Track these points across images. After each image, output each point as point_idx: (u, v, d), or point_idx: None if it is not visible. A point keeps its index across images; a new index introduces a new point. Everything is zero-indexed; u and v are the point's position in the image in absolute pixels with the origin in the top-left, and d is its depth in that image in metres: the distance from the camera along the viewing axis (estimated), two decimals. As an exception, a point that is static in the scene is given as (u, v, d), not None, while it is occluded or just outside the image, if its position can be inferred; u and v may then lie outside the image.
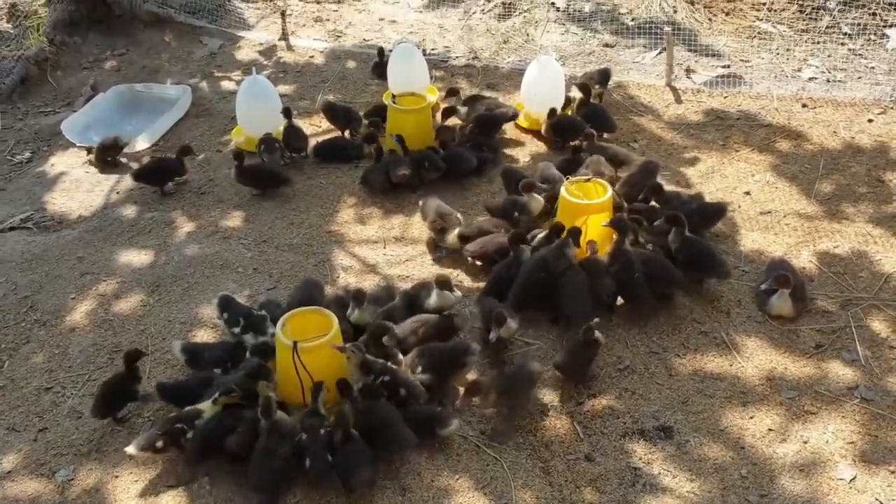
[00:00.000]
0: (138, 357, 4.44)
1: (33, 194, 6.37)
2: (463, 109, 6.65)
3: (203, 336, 4.91)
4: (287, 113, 6.50)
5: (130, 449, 4.06)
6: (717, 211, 5.46)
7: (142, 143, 6.80)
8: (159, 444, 4.05)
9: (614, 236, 5.03)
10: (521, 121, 6.80)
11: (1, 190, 6.46)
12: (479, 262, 5.31)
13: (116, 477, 4.13)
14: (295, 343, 4.15)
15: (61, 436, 4.37)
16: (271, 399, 4.03)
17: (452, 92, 6.83)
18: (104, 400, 4.34)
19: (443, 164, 6.08)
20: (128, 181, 6.41)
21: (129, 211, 6.11)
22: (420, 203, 5.70)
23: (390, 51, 7.27)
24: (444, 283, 4.82)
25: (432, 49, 8.08)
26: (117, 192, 6.32)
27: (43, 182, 6.52)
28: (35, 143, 7.03)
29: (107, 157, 6.62)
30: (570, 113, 6.61)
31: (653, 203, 5.39)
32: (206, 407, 4.13)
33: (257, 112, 6.56)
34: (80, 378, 4.71)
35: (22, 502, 4.03)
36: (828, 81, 7.20)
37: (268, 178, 6.18)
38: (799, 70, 7.42)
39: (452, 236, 5.36)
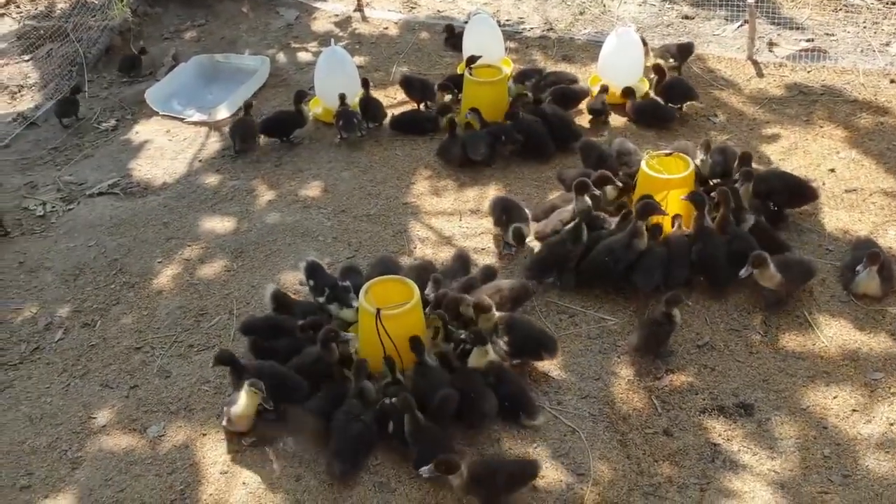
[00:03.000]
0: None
1: (119, 161, 6.58)
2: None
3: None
4: (365, 84, 6.58)
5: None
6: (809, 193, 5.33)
7: (222, 113, 6.94)
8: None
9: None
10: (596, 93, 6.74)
11: (89, 156, 6.68)
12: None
13: (204, 435, 4.29)
14: (378, 310, 4.22)
15: (151, 393, 4.55)
16: (364, 363, 4.16)
17: None
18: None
19: (519, 137, 6.07)
20: (210, 150, 6.58)
21: (212, 179, 6.27)
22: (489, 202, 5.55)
23: (465, 22, 7.28)
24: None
25: (506, 20, 8.04)
26: (200, 161, 6.48)
27: (128, 149, 6.71)
28: (120, 111, 7.23)
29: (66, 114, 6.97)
30: (649, 91, 6.55)
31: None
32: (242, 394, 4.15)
33: (335, 83, 6.62)
34: (167, 339, 4.88)
35: (117, 455, 4.22)
36: (918, 56, 6.96)
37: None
38: (887, 44, 7.18)
39: (510, 233, 5.19)
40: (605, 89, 6.47)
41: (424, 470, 3.74)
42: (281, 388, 4.20)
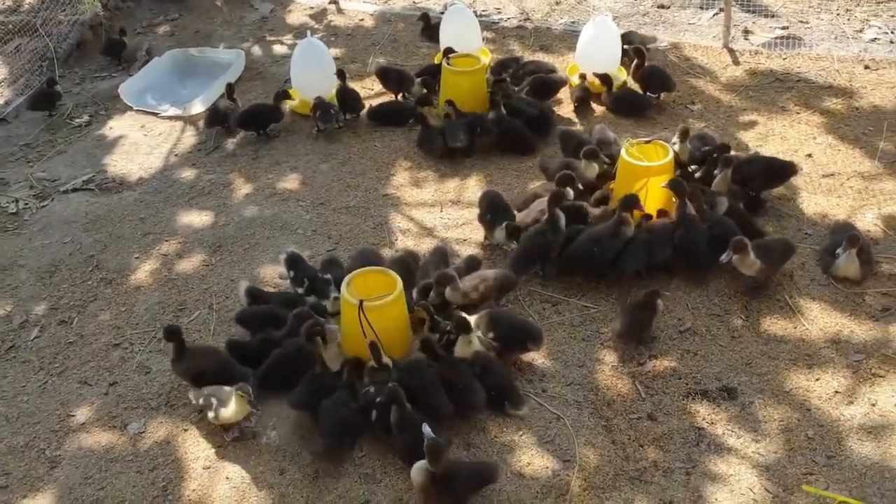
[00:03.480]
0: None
1: (93, 157, 6.48)
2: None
3: (265, 295, 4.98)
4: (341, 75, 6.52)
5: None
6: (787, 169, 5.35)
7: (197, 107, 6.85)
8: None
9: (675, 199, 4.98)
10: (576, 82, 6.73)
11: (62, 153, 6.57)
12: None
13: (185, 430, 4.23)
14: (361, 302, 4.18)
15: (131, 390, 4.48)
16: (358, 362, 4.16)
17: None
18: None
19: (494, 129, 6.04)
20: (185, 144, 6.50)
21: (188, 173, 6.19)
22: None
23: (441, 12, 7.25)
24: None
25: (483, 10, 8.02)
26: (176, 155, 6.40)
27: (102, 145, 6.62)
28: (93, 106, 7.13)
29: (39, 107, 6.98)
30: (626, 80, 6.56)
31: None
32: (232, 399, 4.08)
33: (312, 75, 6.57)
34: (146, 335, 4.81)
35: (97, 453, 4.15)
36: (891, 42, 7.02)
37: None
38: (861, 31, 7.24)
39: (500, 231, 5.09)
40: (583, 77, 6.49)
41: (428, 431, 3.65)
42: (221, 373, 4.21)
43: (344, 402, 4.01)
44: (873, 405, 4.10)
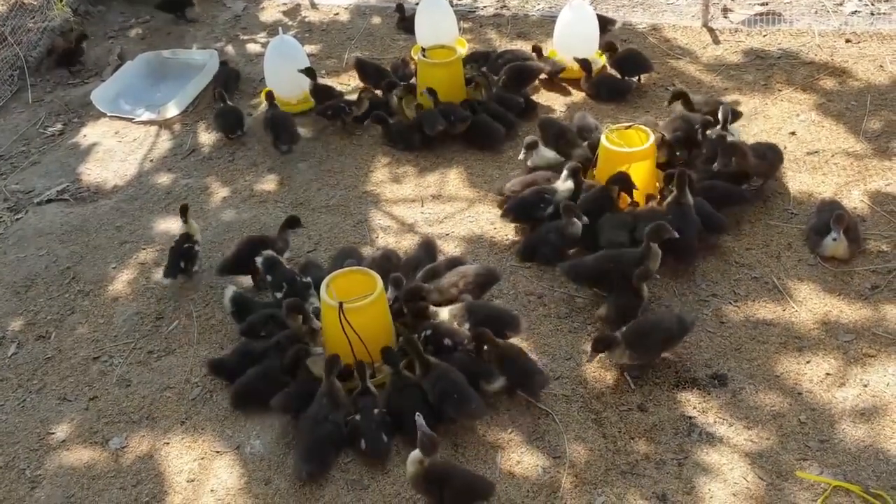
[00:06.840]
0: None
1: (67, 166, 6.36)
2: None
3: (246, 300, 4.89)
4: (310, 73, 6.36)
5: None
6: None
7: (172, 110, 6.74)
8: None
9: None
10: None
11: (35, 163, 6.45)
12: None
13: (167, 444, 4.15)
14: (341, 304, 4.10)
15: (112, 404, 4.39)
16: (336, 359, 4.06)
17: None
18: None
19: (468, 114, 5.95)
20: (161, 149, 6.39)
21: (164, 179, 6.08)
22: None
23: (416, 4, 7.14)
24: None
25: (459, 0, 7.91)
26: (151, 161, 6.29)
27: (76, 153, 6.50)
28: (66, 114, 7.00)
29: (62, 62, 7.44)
30: (606, 65, 6.48)
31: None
32: None
33: (286, 73, 6.46)
34: (126, 347, 4.72)
35: (78, 470, 4.06)
36: (871, 14, 6.94)
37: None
38: (840, 4, 7.15)
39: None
40: (538, 49, 6.52)
41: (421, 421, 3.57)
42: None
43: (324, 417, 3.91)
44: (865, 386, 4.03)
